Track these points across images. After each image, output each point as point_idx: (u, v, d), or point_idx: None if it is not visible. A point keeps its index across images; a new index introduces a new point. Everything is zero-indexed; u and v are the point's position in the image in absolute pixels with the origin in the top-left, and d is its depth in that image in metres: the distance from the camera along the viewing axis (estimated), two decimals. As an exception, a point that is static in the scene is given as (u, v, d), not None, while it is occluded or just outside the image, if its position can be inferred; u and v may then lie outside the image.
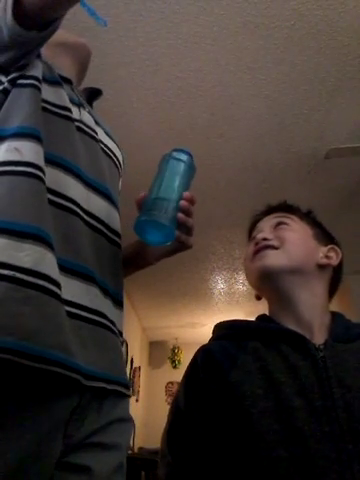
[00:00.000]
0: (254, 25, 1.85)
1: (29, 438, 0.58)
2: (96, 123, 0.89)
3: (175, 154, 0.78)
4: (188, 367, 0.82)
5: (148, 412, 6.42)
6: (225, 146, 2.60)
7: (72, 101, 0.83)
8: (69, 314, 0.65)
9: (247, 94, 2.22)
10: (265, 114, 2.35)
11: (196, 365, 0.79)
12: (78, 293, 0.68)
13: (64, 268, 0.66)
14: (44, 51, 0.81)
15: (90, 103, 1.00)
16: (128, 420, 0.78)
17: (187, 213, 0.74)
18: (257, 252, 0.84)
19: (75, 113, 0.82)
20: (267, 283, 0.83)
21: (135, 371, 5.54)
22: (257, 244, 0.85)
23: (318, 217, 0.94)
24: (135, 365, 5.53)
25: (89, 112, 0.88)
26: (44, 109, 0.75)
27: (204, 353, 0.80)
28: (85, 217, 0.74)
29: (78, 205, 0.73)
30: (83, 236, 0.73)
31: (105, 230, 0.79)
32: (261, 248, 0.83)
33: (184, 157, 0.78)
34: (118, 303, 0.79)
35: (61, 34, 0.84)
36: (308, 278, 0.82)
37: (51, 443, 0.61)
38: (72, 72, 0.95)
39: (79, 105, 0.85)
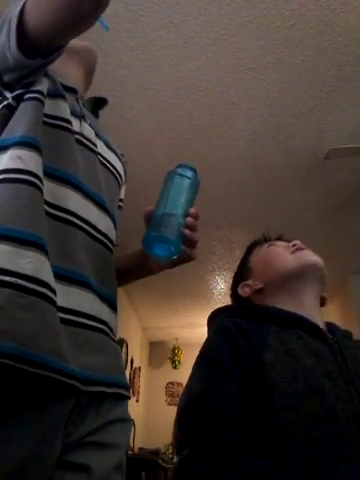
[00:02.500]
0: (254, 25, 1.85)
1: (28, 439, 0.59)
2: (96, 135, 0.90)
3: (180, 170, 0.81)
4: (217, 335, 0.77)
5: (148, 412, 6.41)
6: (225, 146, 2.60)
7: (74, 113, 0.83)
8: (66, 321, 0.66)
9: (247, 94, 2.22)
10: (265, 114, 2.35)
11: (229, 333, 0.75)
12: (76, 300, 0.69)
13: (60, 276, 0.67)
14: None
15: (96, 112, 1.00)
16: (127, 421, 0.79)
17: (193, 229, 0.76)
18: (304, 249, 0.92)
19: (75, 125, 0.82)
20: (305, 277, 0.88)
21: (135, 371, 5.54)
22: (297, 245, 0.93)
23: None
24: (135, 365, 5.52)
25: (90, 124, 0.88)
26: (43, 122, 0.76)
27: (235, 326, 0.77)
28: (84, 226, 0.76)
29: (77, 216, 0.75)
30: (80, 245, 0.74)
31: (102, 238, 0.81)
32: (306, 249, 0.92)
33: (189, 173, 0.81)
34: (113, 307, 0.81)
35: None
36: (321, 291, 0.91)
37: (50, 443, 0.62)
38: (79, 79, 0.95)
39: (81, 117, 0.86)
